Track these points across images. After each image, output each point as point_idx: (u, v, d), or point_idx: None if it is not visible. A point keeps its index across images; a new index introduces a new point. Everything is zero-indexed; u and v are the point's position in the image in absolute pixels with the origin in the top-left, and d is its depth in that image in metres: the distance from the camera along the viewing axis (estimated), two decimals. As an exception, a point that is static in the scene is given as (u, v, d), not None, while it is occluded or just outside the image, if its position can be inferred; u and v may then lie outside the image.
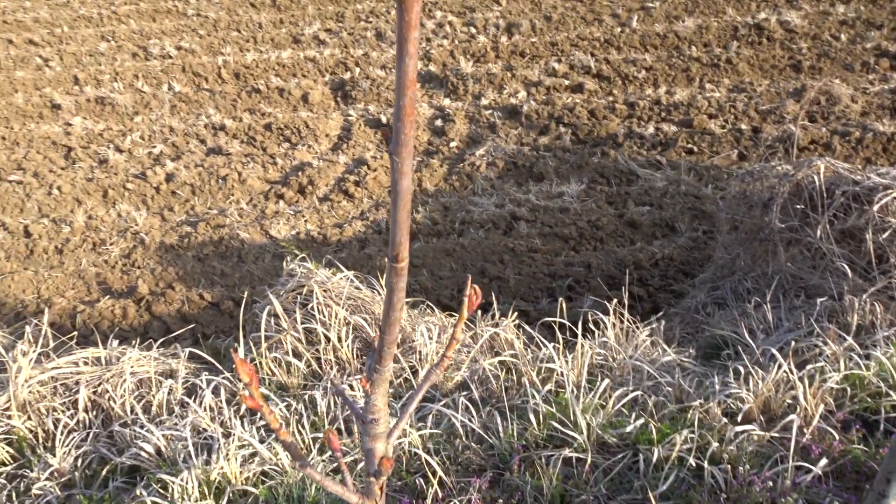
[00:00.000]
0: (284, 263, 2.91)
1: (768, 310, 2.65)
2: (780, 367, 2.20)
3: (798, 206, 2.98)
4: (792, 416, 2.04)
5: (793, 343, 2.32)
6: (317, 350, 2.50)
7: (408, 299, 2.89)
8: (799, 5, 7.23)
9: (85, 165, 5.99)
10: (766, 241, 3.06)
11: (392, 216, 0.66)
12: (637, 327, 2.67)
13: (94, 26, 8.72)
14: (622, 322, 2.67)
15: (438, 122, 6.23)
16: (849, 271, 2.72)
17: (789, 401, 2.15)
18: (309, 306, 2.59)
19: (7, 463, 2.21)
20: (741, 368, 2.27)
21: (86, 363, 2.37)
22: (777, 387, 2.17)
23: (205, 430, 2.18)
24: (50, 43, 8.33)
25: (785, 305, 2.77)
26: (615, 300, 2.75)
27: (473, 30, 7.66)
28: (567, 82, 6.52)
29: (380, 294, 2.77)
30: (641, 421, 2.08)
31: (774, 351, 2.27)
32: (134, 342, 2.62)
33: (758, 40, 6.77)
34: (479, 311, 3.14)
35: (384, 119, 6.31)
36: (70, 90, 7.22)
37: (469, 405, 2.24)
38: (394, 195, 0.65)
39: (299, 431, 2.18)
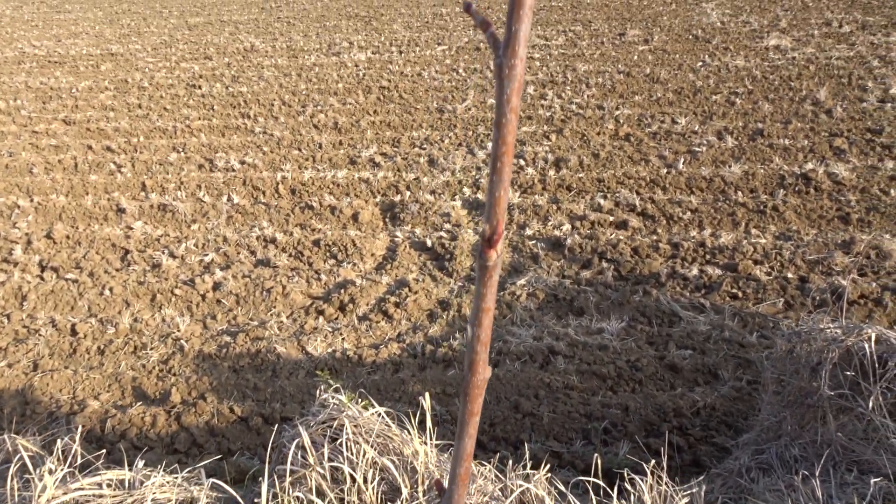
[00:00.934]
0: (318, 392, 2.90)
1: (817, 485, 2.50)
2: (830, 555, 2.04)
3: (848, 373, 2.87)
4: None
5: (844, 531, 2.16)
6: (341, 490, 2.43)
7: (439, 442, 2.83)
8: (847, 158, 7.30)
9: (139, 269, 6.22)
10: (815, 407, 2.93)
11: None
12: (675, 492, 2.54)
13: (167, 137, 9.33)
14: (660, 484, 2.55)
15: (482, 250, 6.32)
16: (905, 449, 2.57)
17: None
18: (338, 441, 2.55)
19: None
20: (788, 553, 2.11)
21: (109, 485, 2.35)
22: (828, 579, 2.01)
23: (217, 569, 2.11)
24: (125, 150, 8.92)
25: (835, 480, 2.60)
26: (653, 461, 2.64)
27: (522, 162, 7.93)
28: (612, 218, 6.61)
29: (409, 433, 2.72)
30: None
31: (824, 539, 2.11)
32: (159, 465, 2.60)
33: (805, 190, 6.81)
34: (510, 456, 3.04)
35: (429, 243, 6.44)
36: (136, 195, 7.64)
37: (493, 567, 2.12)
38: None
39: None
